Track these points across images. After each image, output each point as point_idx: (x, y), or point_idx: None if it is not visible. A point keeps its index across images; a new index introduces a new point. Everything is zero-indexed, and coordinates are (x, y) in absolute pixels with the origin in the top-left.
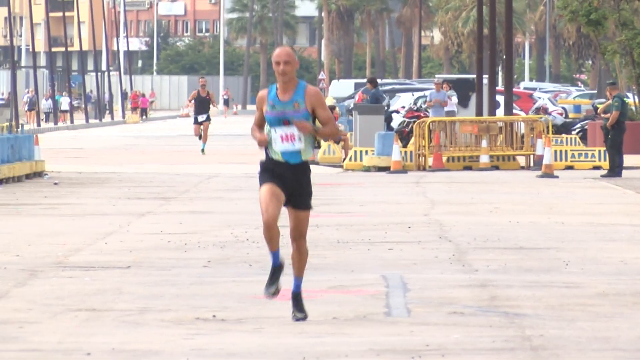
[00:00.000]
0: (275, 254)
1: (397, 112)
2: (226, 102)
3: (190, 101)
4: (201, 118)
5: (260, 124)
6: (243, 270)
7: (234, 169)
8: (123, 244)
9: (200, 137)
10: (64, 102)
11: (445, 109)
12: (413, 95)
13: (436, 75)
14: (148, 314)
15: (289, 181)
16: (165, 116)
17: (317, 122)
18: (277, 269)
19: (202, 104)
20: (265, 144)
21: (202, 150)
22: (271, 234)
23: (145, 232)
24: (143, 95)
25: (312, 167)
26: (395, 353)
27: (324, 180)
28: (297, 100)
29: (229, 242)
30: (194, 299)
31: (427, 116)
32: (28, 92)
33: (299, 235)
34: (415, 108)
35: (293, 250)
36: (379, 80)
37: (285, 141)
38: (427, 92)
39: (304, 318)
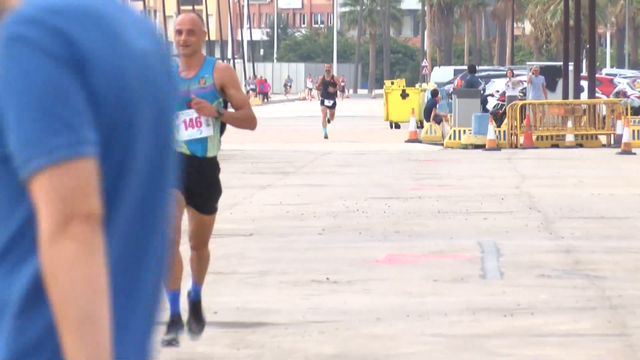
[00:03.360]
0: (174, 295)
1: (492, 95)
2: (342, 89)
3: (317, 88)
4: (328, 102)
5: None
6: (353, 237)
7: (345, 146)
8: (246, 214)
9: (328, 122)
10: None
11: (508, 93)
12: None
13: (527, 63)
14: (268, 277)
15: (193, 180)
16: (284, 99)
17: (226, 107)
18: (176, 319)
19: (328, 88)
20: None
21: (326, 136)
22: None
23: (266, 203)
24: (265, 81)
25: (415, 145)
26: (490, 311)
27: (426, 157)
28: (204, 76)
29: (340, 212)
30: (309, 263)
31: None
32: None
33: (200, 243)
34: None
35: (192, 255)
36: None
37: (190, 127)
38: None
39: (201, 330)
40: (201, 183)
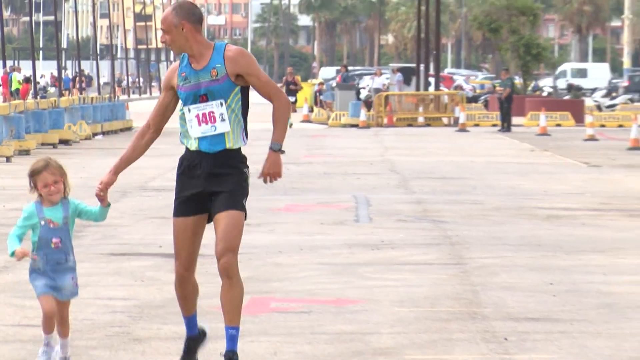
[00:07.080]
0: (190, 319)
1: (364, 88)
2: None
3: (283, 85)
4: (291, 99)
5: (162, 114)
6: (262, 192)
7: (256, 125)
8: None
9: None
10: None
11: (373, 86)
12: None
13: (390, 65)
14: None
15: (211, 180)
16: None
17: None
18: (193, 340)
19: (290, 86)
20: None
21: (290, 125)
22: (185, 291)
23: None
24: None
25: (308, 124)
26: (361, 246)
27: (316, 133)
28: (215, 66)
29: (252, 173)
30: None
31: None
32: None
33: (226, 248)
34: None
35: (222, 285)
36: (350, 67)
37: (204, 123)
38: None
39: None
40: (219, 179)
